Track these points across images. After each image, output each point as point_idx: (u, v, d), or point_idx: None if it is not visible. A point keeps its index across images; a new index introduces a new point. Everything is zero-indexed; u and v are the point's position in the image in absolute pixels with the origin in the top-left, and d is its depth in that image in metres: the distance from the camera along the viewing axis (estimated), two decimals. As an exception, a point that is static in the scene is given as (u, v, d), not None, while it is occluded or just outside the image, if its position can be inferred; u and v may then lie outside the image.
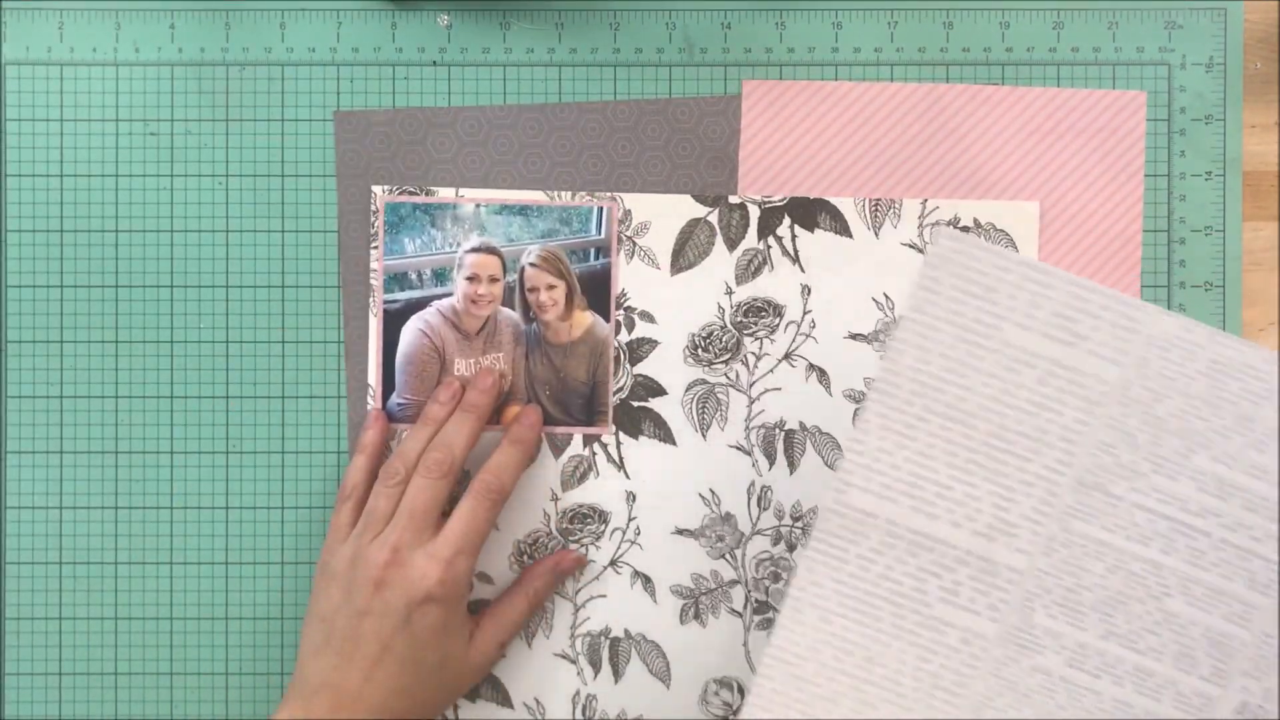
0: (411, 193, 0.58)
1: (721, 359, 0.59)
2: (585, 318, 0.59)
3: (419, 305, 0.59)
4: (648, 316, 0.58)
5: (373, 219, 0.59)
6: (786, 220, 0.59)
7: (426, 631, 0.52)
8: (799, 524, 0.59)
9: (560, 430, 0.59)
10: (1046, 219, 0.59)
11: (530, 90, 0.60)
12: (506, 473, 0.55)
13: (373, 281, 0.59)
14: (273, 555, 0.59)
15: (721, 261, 0.59)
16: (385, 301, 0.58)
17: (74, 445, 0.59)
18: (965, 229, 0.58)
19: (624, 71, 0.60)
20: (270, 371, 0.59)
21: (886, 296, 0.59)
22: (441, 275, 0.59)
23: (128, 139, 0.59)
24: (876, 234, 0.58)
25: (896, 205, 0.58)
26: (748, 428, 0.59)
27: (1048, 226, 0.59)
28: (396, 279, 0.59)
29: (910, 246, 0.58)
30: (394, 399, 0.59)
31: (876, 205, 0.58)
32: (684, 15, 0.60)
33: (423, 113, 0.59)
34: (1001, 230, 0.59)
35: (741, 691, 0.59)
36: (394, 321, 0.59)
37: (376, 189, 0.59)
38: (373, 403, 0.59)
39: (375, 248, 0.58)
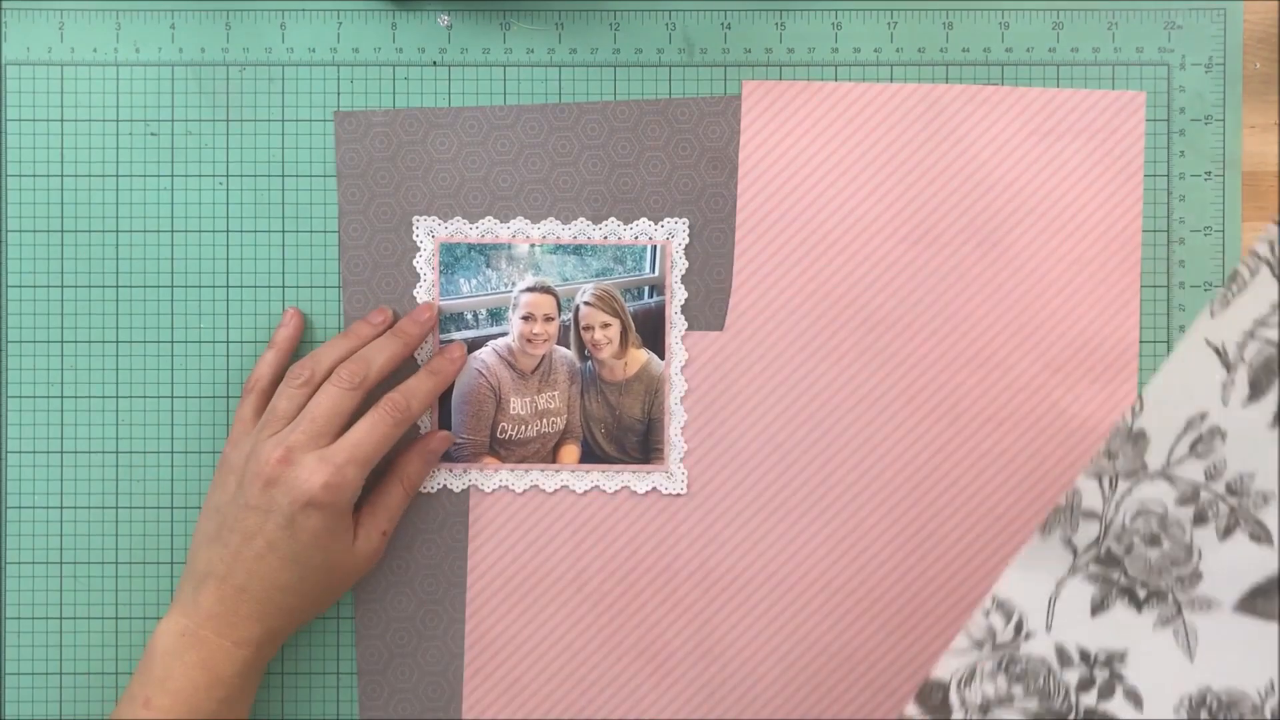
0: (441, 217, 0.58)
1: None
2: (640, 355, 0.59)
3: (475, 345, 0.59)
4: None
5: (416, 253, 0.59)
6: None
7: (308, 534, 0.53)
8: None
9: (617, 469, 0.59)
10: (1046, 219, 0.59)
11: (530, 90, 0.60)
12: (416, 398, 0.56)
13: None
14: (273, 555, 0.59)
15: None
16: (442, 341, 0.59)
17: (74, 445, 0.59)
18: None
19: (624, 72, 0.60)
20: (270, 371, 0.59)
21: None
22: (497, 315, 0.59)
23: (128, 139, 0.59)
24: None
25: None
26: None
27: (1047, 227, 0.59)
28: (453, 319, 0.59)
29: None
30: (454, 435, 0.59)
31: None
32: (684, 15, 0.60)
33: (422, 113, 0.59)
34: None
35: None
36: None
37: (419, 222, 0.59)
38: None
39: (416, 289, 0.58)
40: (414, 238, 0.59)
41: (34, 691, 0.59)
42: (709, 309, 0.59)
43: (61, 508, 0.59)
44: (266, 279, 0.59)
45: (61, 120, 0.59)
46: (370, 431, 0.54)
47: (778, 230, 0.59)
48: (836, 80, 0.59)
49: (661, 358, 0.59)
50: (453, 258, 0.59)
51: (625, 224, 0.59)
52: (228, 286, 0.59)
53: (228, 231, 0.59)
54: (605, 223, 0.59)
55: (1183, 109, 0.60)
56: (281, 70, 0.59)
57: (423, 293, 0.59)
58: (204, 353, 0.59)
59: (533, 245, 0.59)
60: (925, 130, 0.59)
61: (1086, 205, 0.59)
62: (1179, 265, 0.60)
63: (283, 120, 0.59)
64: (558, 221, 0.59)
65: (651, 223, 0.59)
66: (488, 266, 0.59)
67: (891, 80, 0.60)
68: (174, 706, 0.52)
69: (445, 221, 0.59)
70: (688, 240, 0.59)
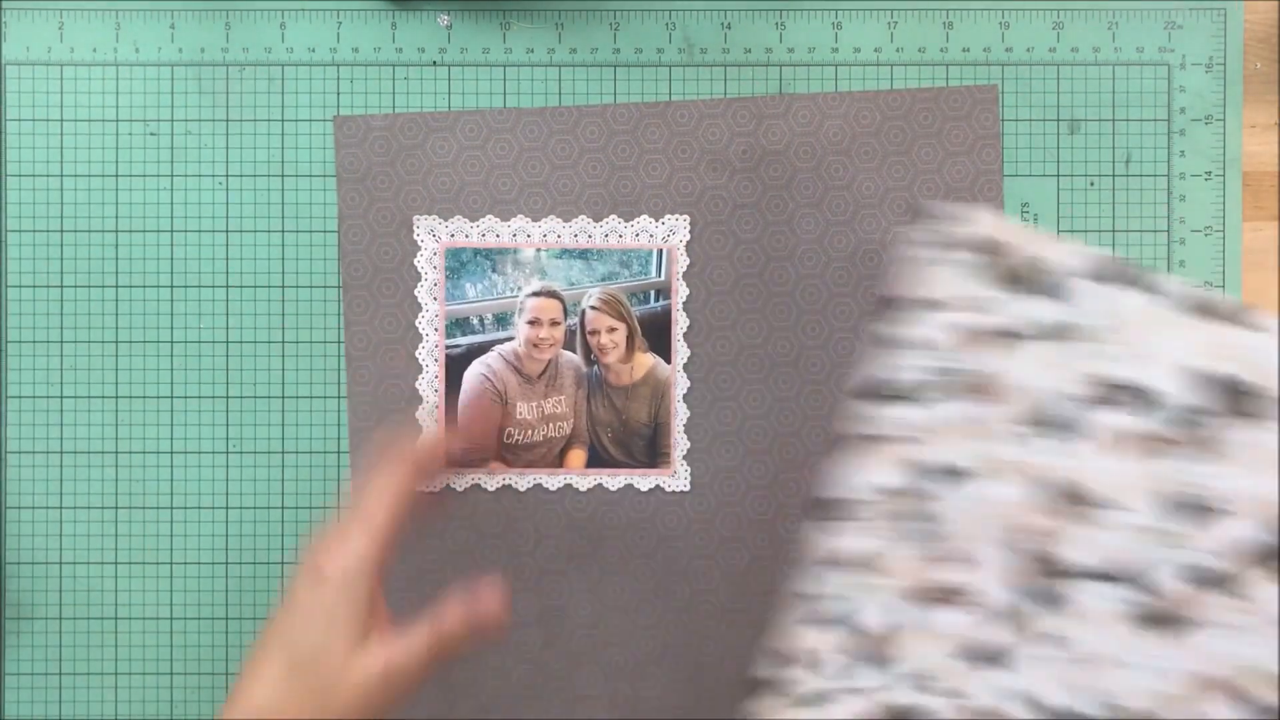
0: (440, 218, 0.58)
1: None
2: (646, 359, 0.59)
3: (481, 350, 0.59)
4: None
5: (417, 252, 0.59)
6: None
7: (303, 609, 0.45)
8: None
9: (623, 472, 0.59)
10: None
11: (530, 90, 0.59)
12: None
13: (423, 329, 0.58)
14: (273, 555, 0.59)
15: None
16: (447, 346, 0.59)
17: (74, 445, 0.59)
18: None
19: (624, 72, 0.60)
20: (270, 371, 0.59)
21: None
22: (503, 319, 0.59)
23: (128, 139, 0.59)
24: None
25: None
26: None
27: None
28: (458, 324, 0.59)
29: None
30: (460, 446, 0.57)
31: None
32: (684, 15, 0.60)
33: (422, 117, 0.59)
34: None
35: None
36: (456, 366, 0.59)
37: (419, 222, 0.59)
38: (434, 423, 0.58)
39: (417, 289, 0.58)
40: (415, 237, 0.59)
41: (34, 691, 0.59)
42: (709, 310, 0.59)
43: (61, 508, 0.59)
44: (266, 279, 0.59)
45: (61, 120, 0.59)
46: (382, 492, 0.47)
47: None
48: (836, 80, 0.59)
49: (668, 361, 0.59)
50: (458, 262, 0.58)
51: (626, 221, 0.59)
52: (227, 286, 0.59)
53: (227, 231, 0.59)
54: (606, 220, 0.59)
55: (1183, 109, 0.60)
56: (281, 70, 0.59)
57: (424, 292, 0.59)
58: (204, 353, 0.59)
59: (539, 250, 0.58)
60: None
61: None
62: (1179, 265, 0.60)
63: (282, 120, 0.59)
64: (559, 219, 0.59)
65: (652, 220, 0.59)
66: (493, 271, 0.59)
67: (892, 80, 0.59)
68: None
69: (446, 221, 0.58)
70: (689, 236, 0.59)
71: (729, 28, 0.60)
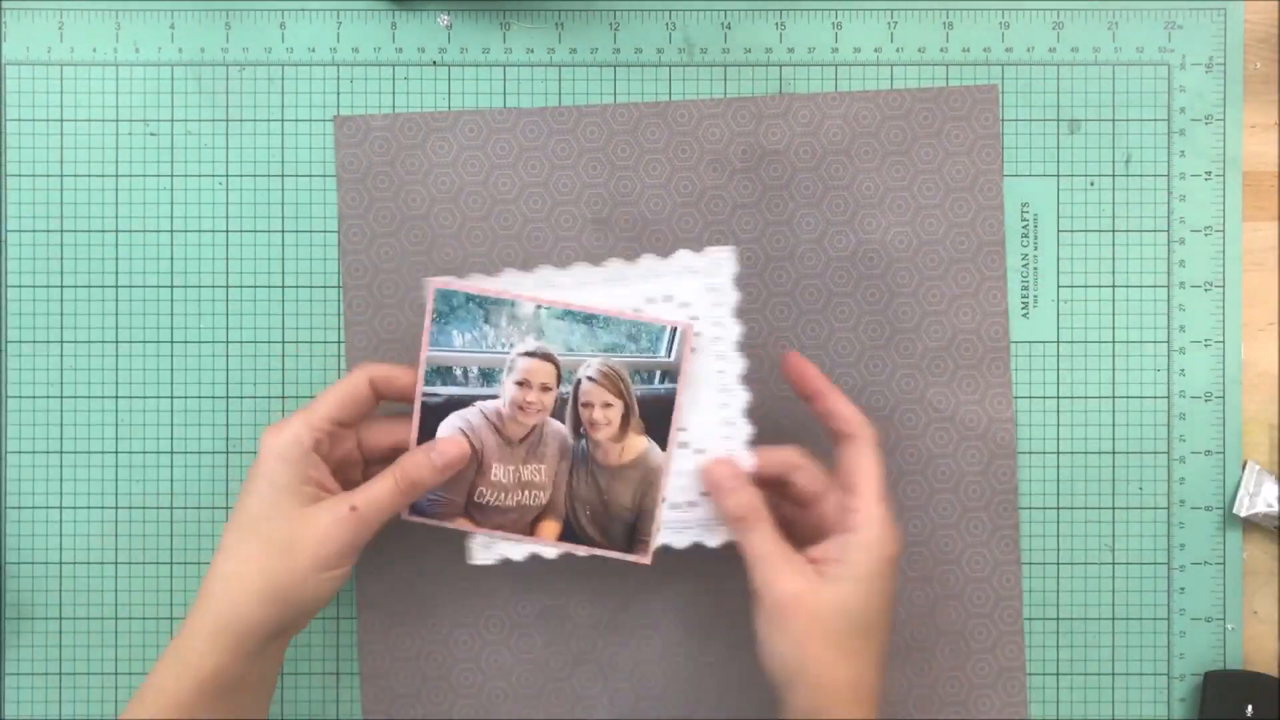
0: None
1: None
2: (639, 442, 0.54)
3: (461, 403, 0.54)
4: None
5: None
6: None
7: (249, 480, 0.51)
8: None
9: (597, 553, 0.55)
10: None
11: (530, 90, 0.59)
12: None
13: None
14: (273, 555, 0.59)
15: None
16: (425, 394, 0.53)
17: (74, 445, 0.59)
18: None
19: (624, 72, 0.60)
20: (270, 371, 0.59)
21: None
22: (489, 375, 0.54)
23: (128, 139, 0.59)
24: None
25: None
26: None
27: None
28: (439, 372, 0.54)
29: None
30: (426, 495, 0.54)
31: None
32: (684, 15, 0.60)
33: (421, 117, 0.59)
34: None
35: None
36: (432, 416, 0.54)
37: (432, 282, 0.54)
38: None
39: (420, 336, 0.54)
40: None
41: (34, 691, 0.59)
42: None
43: (61, 508, 0.59)
44: (266, 279, 0.59)
45: (61, 120, 0.59)
46: (343, 388, 0.53)
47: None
48: (836, 80, 0.59)
49: (664, 448, 0.54)
50: (448, 306, 0.53)
51: (663, 258, 0.54)
52: (227, 286, 0.59)
53: (227, 231, 0.59)
54: (642, 259, 0.54)
55: (1183, 109, 0.60)
56: (281, 70, 0.59)
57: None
58: (204, 353, 0.59)
59: (539, 307, 0.53)
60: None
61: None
62: (1179, 265, 0.60)
63: (282, 120, 0.59)
64: (589, 265, 0.54)
65: (693, 254, 0.54)
66: (485, 322, 0.54)
67: (892, 80, 0.59)
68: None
69: (463, 278, 0.54)
70: (736, 269, 0.54)
71: (729, 28, 0.60)
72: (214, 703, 0.50)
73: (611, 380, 0.54)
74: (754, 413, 0.54)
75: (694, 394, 0.54)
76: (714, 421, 0.54)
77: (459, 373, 0.54)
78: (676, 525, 0.55)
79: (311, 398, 0.59)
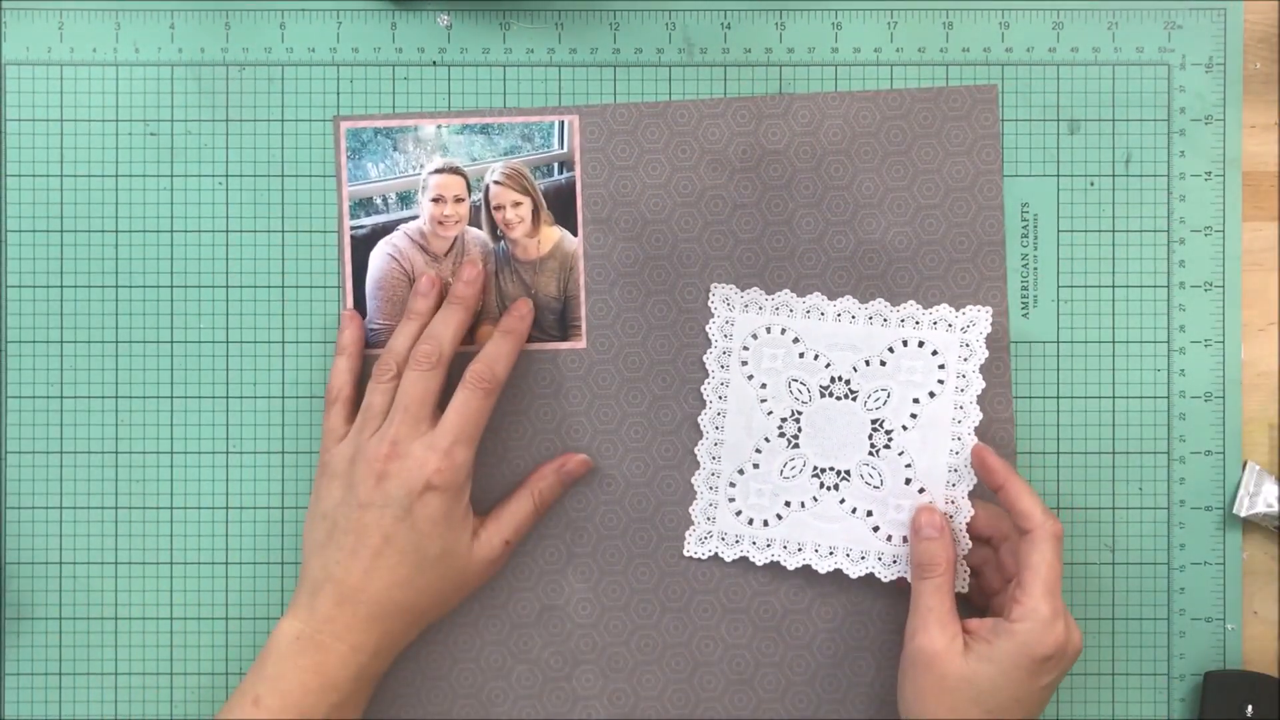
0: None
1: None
2: (553, 233, 0.59)
3: (385, 230, 0.58)
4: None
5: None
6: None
7: (427, 522, 0.53)
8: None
9: (534, 347, 0.59)
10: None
11: (530, 90, 0.59)
12: (499, 363, 0.55)
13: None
14: (272, 556, 0.59)
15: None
16: (352, 227, 0.58)
17: (74, 445, 0.59)
18: None
19: (624, 72, 0.60)
20: (270, 371, 0.59)
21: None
22: (407, 198, 0.58)
23: (128, 139, 0.59)
24: None
25: None
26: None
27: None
28: (362, 204, 0.58)
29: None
30: (367, 324, 0.59)
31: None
32: (684, 15, 0.60)
33: (421, 117, 0.59)
34: None
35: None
36: (362, 247, 0.59)
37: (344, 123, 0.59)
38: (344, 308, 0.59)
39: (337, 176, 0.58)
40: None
41: (34, 691, 0.59)
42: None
43: (61, 508, 0.59)
44: (266, 279, 0.59)
45: (61, 120, 0.59)
46: (464, 408, 0.54)
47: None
48: (836, 80, 0.59)
49: (574, 234, 0.59)
50: (359, 142, 0.58)
51: (926, 308, 0.58)
52: (227, 286, 0.59)
53: (227, 231, 0.59)
54: (903, 305, 0.58)
55: (1183, 109, 0.60)
56: (281, 70, 0.59)
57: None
58: (204, 353, 0.59)
59: (439, 126, 0.58)
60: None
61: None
62: (1179, 265, 0.60)
63: (282, 120, 0.59)
64: (855, 300, 0.58)
65: (952, 309, 0.58)
66: (395, 150, 0.58)
67: (891, 80, 0.59)
68: (284, 707, 0.52)
69: (743, 292, 0.59)
70: (989, 329, 0.58)
71: (729, 28, 0.60)
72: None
73: (515, 179, 0.59)
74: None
75: (925, 434, 0.58)
76: (943, 467, 0.57)
77: (379, 201, 0.59)
78: (824, 550, 0.58)
79: (314, 397, 0.59)
